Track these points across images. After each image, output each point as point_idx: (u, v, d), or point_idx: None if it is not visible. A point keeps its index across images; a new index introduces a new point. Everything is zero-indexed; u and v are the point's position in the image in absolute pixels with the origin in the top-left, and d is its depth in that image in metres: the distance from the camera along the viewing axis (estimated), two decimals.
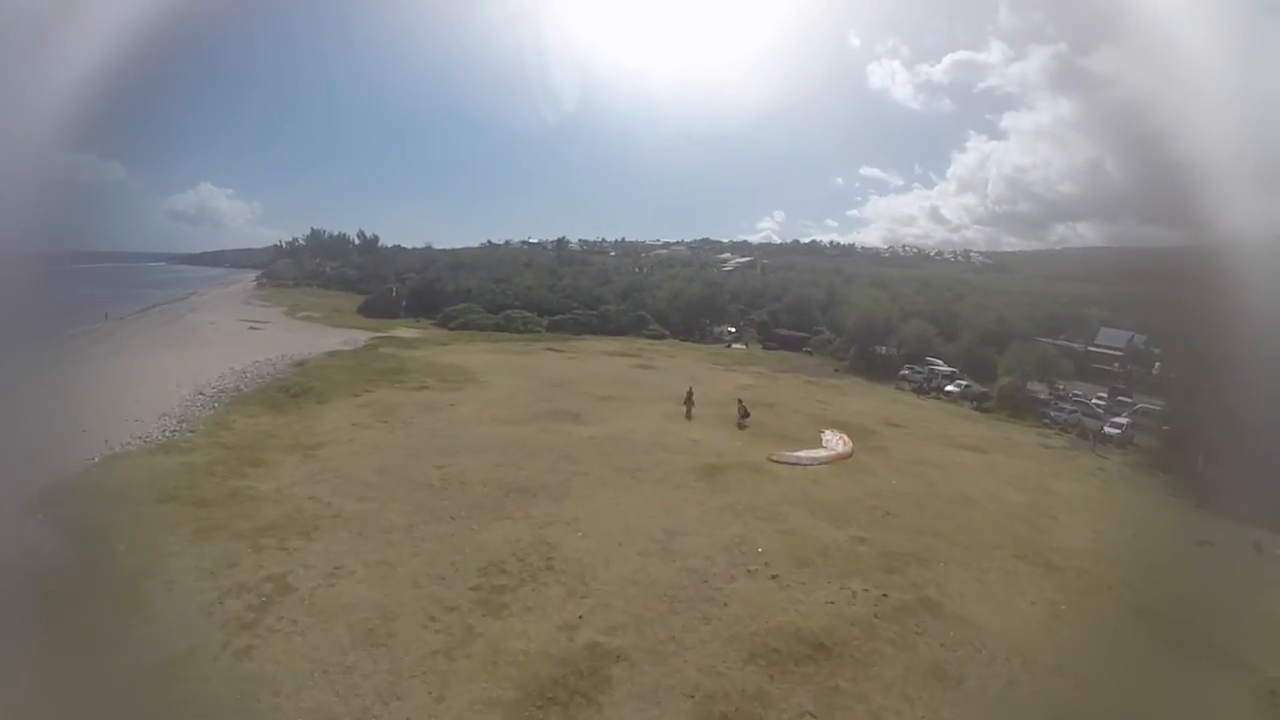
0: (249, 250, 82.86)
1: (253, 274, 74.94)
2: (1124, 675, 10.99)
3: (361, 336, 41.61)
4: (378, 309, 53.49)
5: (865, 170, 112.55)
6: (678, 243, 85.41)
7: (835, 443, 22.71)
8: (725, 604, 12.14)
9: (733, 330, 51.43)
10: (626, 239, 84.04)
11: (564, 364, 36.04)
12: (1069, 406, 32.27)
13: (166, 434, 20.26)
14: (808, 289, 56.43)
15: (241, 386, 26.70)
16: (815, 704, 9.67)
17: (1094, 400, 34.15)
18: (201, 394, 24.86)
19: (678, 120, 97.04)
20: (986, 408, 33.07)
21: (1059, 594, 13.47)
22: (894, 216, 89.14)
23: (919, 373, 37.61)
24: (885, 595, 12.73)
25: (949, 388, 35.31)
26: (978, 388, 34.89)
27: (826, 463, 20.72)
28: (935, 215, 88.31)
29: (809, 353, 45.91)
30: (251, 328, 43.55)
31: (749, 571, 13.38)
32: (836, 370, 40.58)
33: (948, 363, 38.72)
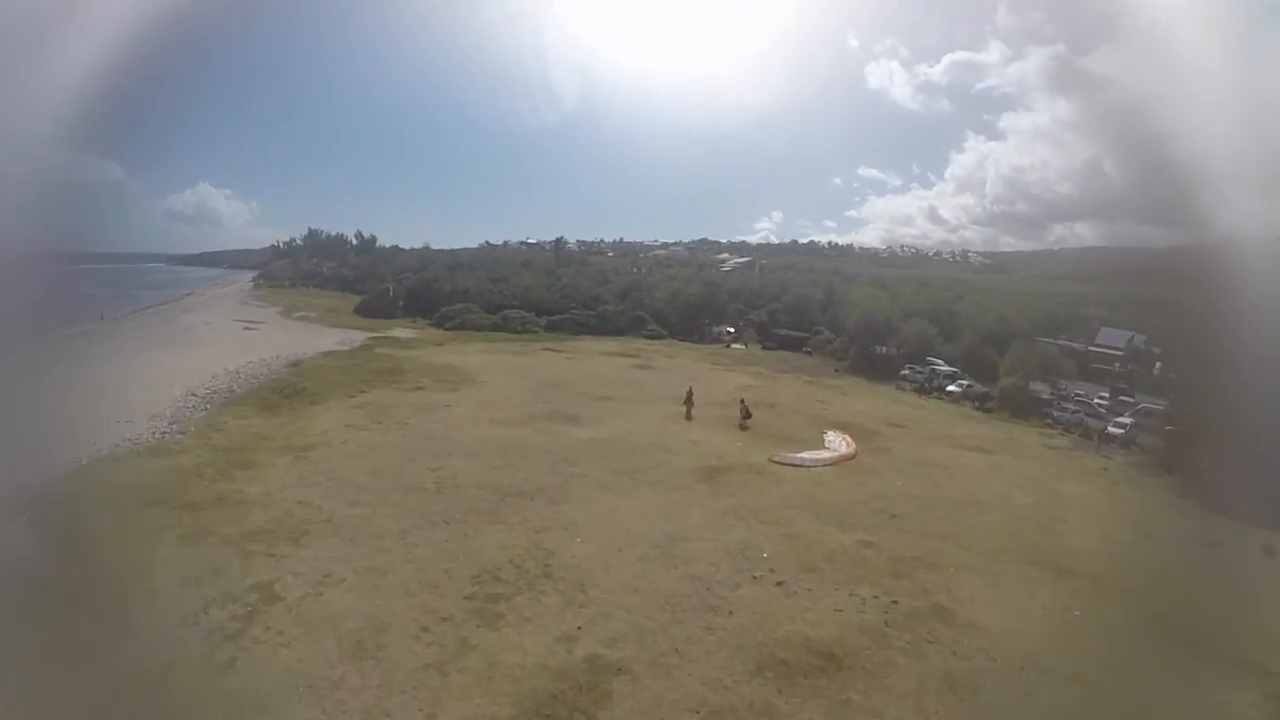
0: (247, 251, 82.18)
1: (250, 274, 74.25)
2: (1139, 682, 10.69)
3: (357, 336, 41.21)
4: (374, 309, 53.02)
5: (863, 170, 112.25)
6: (676, 243, 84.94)
7: (838, 444, 22.40)
8: (730, 613, 11.75)
9: (732, 330, 51.06)
10: (625, 239, 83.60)
11: (562, 364, 35.67)
12: (1072, 406, 31.95)
13: (156, 435, 19.85)
14: (807, 289, 55.99)
15: (234, 387, 26.29)
16: (826, 719, 9.28)
17: (1096, 400, 33.83)
18: (193, 395, 24.43)
19: (676, 120, 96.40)
20: (989, 408, 32.73)
21: (1071, 599, 13.12)
22: (892, 217, 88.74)
23: (920, 373, 37.28)
24: (895, 602, 12.36)
25: (950, 388, 34.99)
26: (979, 388, 34.56)
27: (829, 464, 20.39)
28: (933, 215, 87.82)
29: (809, 353, 45.56)
30: (247, 328, 43.09)
31: (754, 578, 12.99)
32: (837, 370, 40.24)
33: (948, 363, 38.38)
